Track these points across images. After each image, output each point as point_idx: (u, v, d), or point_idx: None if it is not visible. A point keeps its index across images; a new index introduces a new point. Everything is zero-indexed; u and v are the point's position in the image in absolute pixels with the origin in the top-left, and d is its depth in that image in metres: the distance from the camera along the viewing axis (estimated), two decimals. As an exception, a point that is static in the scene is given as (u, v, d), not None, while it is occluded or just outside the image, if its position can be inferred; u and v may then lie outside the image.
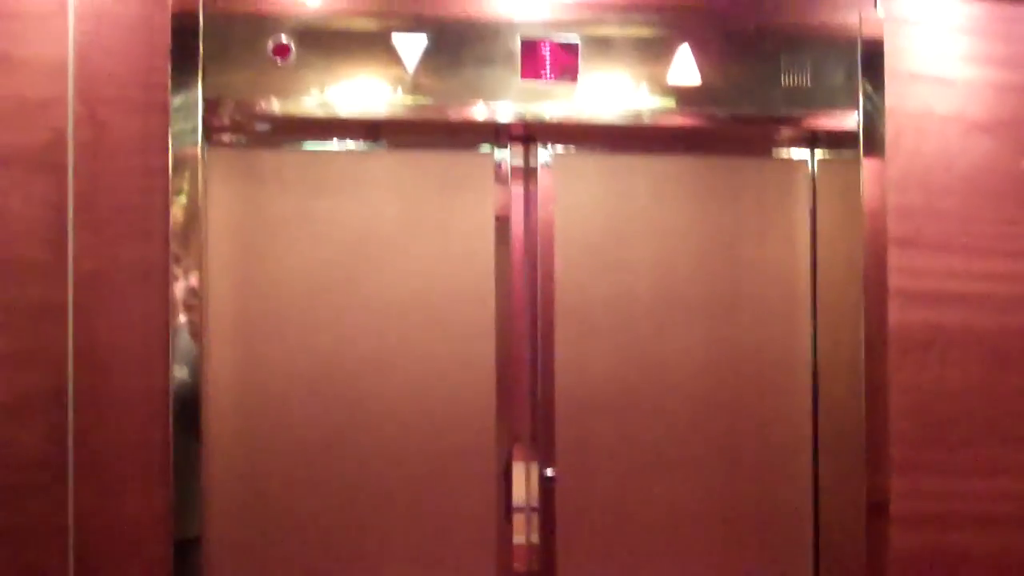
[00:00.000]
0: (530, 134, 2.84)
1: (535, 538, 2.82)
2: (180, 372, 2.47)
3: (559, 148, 2.86)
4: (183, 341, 2.48)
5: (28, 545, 2.35)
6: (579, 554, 2.82)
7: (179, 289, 2.48)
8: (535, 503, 2.83)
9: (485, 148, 2.82)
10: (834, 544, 2.84)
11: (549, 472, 2.80)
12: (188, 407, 2.47)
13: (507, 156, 2.83)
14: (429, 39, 2.65)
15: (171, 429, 2.45)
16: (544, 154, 2.87)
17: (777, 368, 2.90)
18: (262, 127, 2.71)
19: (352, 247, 2.73)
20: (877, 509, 2.70)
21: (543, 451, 2.81)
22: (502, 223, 2.81)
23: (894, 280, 2.77)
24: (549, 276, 2.84)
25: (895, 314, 2.76)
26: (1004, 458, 2.79)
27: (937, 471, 2.74)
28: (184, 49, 2.55)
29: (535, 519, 2.83)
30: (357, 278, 2.72)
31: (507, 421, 2.73)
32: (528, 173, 2.88)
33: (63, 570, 2.37)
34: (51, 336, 2.39)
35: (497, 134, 2.79)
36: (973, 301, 2.82)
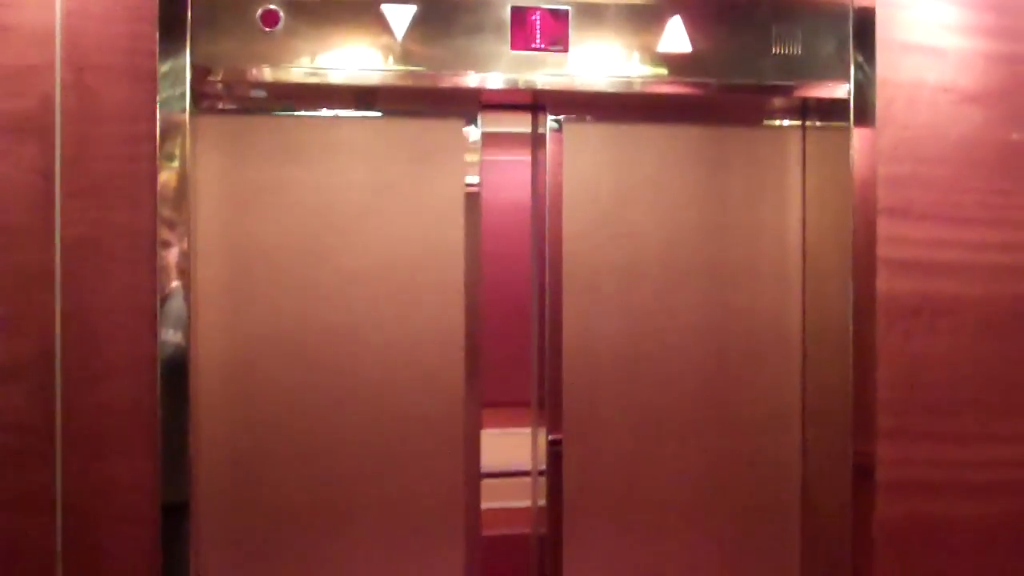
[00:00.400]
0: (529, 101, 2.84)
1: (542, 501, 2.87)
2: (168, 337, 2.47)
3: (552, 117, 2.86)
4: (171, 307, 2.48)
5: (15, 509, 2.36)
6: (585, 516, 2.87)
7: (167, 255, 2.48)
8: (542, 467, 2.88)
9: (458, 117, 2.81)
10: (821, 510, 2.85)
11: (555, 437, 2.85)
12: (176, 372, 2.48)
13: (481, 125, 2.82)
14: (419, 7, 2.64)
15: (159, 394, 2.45)
16: (533, 122, 2.88)
17: (766, 336, 2.92)
18: (250, 94, 2.71)
19: (339, 213, 2.73)
20: (863, 475, 2.71)
21: (550, 417, 2.85)
22: (472, 193, 2.81)
23: (883, 249, 2.77)
24: (557, 242, 2.86)
25: (883, 283, 2.76)
26: (991, 426, 2.79)
27: (924, 438, 2.74)
28: (172, 16, 2.54)
29: (543, 483, 2.88)
30: (345, 243, 2.72)
31: (475, 387, 2.74)
32: (536, 140, 2.92)
33: (50, 534, 2.38)
34: (39, 301, 2.39)
35: (478, 102, 2.77)
36: (961, 270, 2.82)
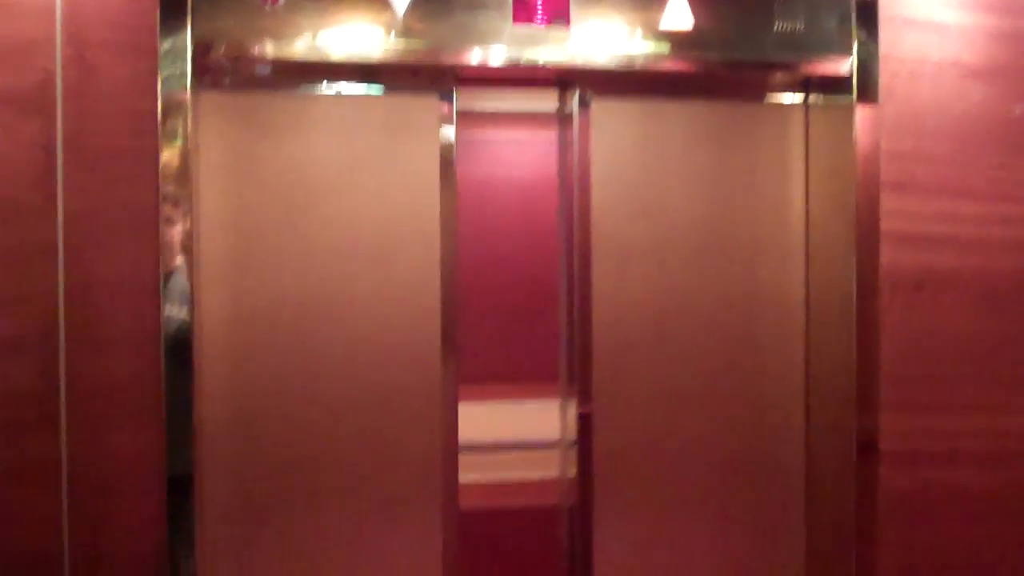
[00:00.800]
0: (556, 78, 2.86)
1: (572, 472, 2.90)
2: (171, 311, 2.47)
3: (579, 94, 2.87)
4: (174, 281, 2.48)
5: (22, 481, 2.36)
6: (615, 487, 2.90)
7: (169, 231, 2.48)
8: (572, 438, 2.90)
9: (432, 93, 2.81)
10: (826, 480, 2.85)
11: (584, 410, 2.88)
12: (179, 346, 2.48)
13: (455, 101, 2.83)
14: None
15: (163, 367, 2.44)
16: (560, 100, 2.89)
17: (770, 309, 2.92)
18: (252, 70, 2.70)
19: (339, 187, 2.73)
20: (867, 447, 2.71)
21: (580, 389, 2.87)
22: (447, 165, 2.81)
23: (886, 223, 2.77)
24: (585, 215, 2.87)
25: (887, 256, 2.76)
26: (993, 398, 2.79)
27: (927, 410, 2.74)
28: (173, -9, 2.54)
29: (572, 454, 2.90)
30: (344, 216, 2.72)
31: (452, 360, 2.75)
32: (563, 120, 2.93)
33: (56, 505, 2.38)
34: (42, 275, 2.39)
35: (453, 77, 2.78)
36: (965, 244, 2.82)
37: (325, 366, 2.63)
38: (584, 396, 2.86)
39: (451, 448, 2.74)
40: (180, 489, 2.48)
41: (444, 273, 2.69)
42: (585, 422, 2.86)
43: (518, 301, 5.41)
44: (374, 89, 2.77)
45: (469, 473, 5.69)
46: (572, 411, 2.90)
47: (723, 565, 2.91)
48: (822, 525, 2.85)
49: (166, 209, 2.48)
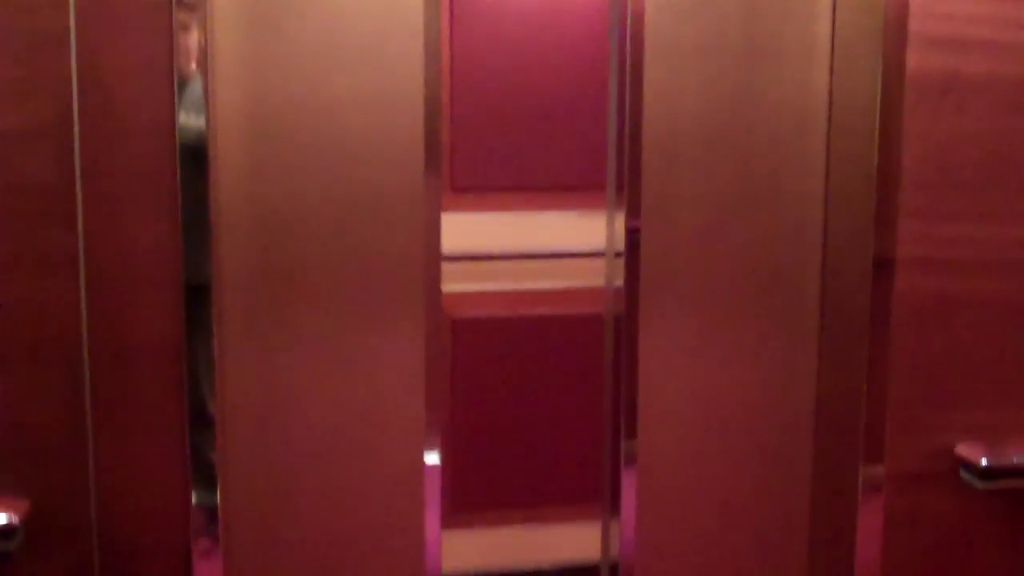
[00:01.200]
0: None
1: (619, 282, 2.88)
2: (185, 108, 2.45)
3: None
4: (188, 74, 2.45)
5: (40, 268, 2.37)
6: (662, 297, 2.88)
7: (184, 36, 2.44)
8: (618, 248, 2.88)
9: None
10: (842, 283, 2.85)
11: (634, 225, 2.85)
12: (193, 143, 2.46)
13: None
14: None
15: (178, 162, 2.43)
16: None
17: (790, 113, 2.86)
18: None
19: None
20: (884, 255, 2.69)
21: (629, 201, 2.83)
22: None
23: (915, 24, 2.69)
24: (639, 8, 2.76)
25: (914, 59, 2.69)
26: (1016, 206, 2.76)
27: (948, 217, 2.72)
28: None
29: (620, 265, 2.88)
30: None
31: (436, 168, 2.67)
32: None
33: (74, 294, 2.40)
34: (54, 64, 2.36)
35: None
36: (995, 48, 2.74)
37: (320, 170, 2.59)
38: (633, 209, 2.82)
39: (434, 256, 2.69)
40: (198, 299, 2.49)
41: (428, 72, 2.62)
42: (633, 235, 2.83)
43: (562, 104, 5.41)
44: None
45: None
46: (619, 222, 2.87)
47: (752, 373, 2.96)
48: (837, 325, 2.85)
49: (180, 14, 2.42)
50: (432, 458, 2.73)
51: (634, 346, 2.85)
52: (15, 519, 2.35)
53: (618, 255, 2.90)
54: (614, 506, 2.98)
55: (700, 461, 2.95)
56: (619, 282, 2.89)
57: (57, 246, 2.39)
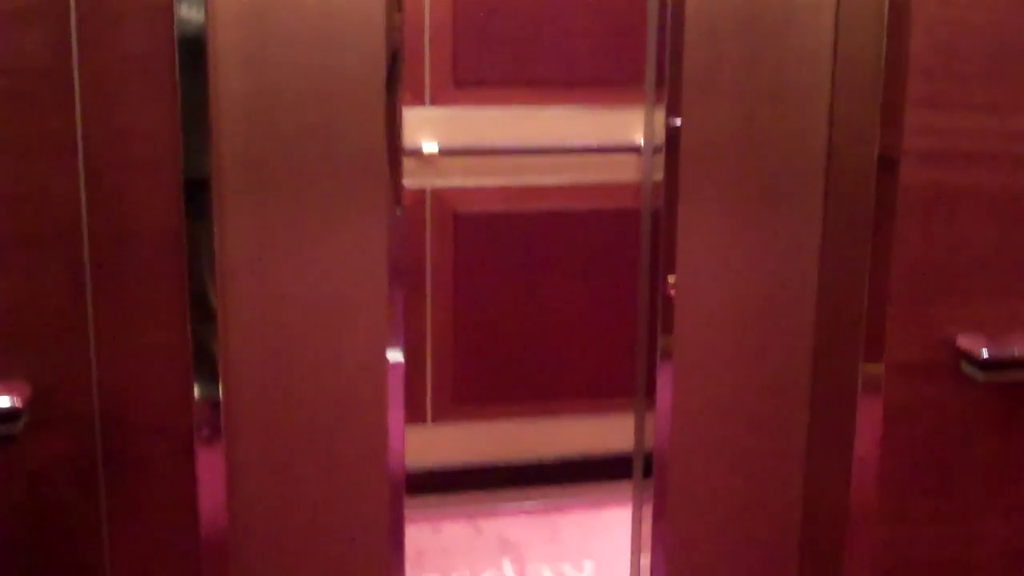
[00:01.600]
0: None
1: (659, 176, 2.88)
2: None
3: None
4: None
5: (38, 153, 2.36)
6: (701, 193, 2.88)
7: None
8: (660, 145, 2.87)
9: None
10: (847, 173, 2.83)
11: (676, 122, 2.82)
12: (192, 24, 2.43)
13: None
14: None
15: (176, 43, 2.41)
16: None
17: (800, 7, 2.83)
18: None
19: None
20: (891, 142, 2.67)
21: (669, 98, 2.81)
22: None
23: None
24: None
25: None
26: (1022, 98, 2.73)
27: (956, 107, 2.69)
28: None
29: (661, 160, 2.87)
30: None
31: (395, 56, 2.62)
32: None
33: (74, 178, 2.40)
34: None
35: None
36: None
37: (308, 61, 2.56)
38: (673, 105, 2.80)
39: (394, 150, 2.65)
40: (197, 194, 2.49)
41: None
42: (673, 133, 2.82)
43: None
44: None
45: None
46: (659, 118, 2.85)
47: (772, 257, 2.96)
48: (840, 216, 2.84)
49: None
50: (395, 356, 2.73)
51: (672, 241, 2.85)
52: (18, 402, 2.36)
53: (656, 150, 2.88)
54: (648, 400, 3.00)
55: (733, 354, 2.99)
56: (658, 176, 2.88)
57: (54, 131, 2.37)
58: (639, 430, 3.11)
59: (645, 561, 3.09)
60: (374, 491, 2.80)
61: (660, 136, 2.87)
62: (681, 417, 2.98)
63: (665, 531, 3.03)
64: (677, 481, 3.01)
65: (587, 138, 5.84)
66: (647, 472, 3.07)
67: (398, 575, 2.85)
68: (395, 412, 2.76)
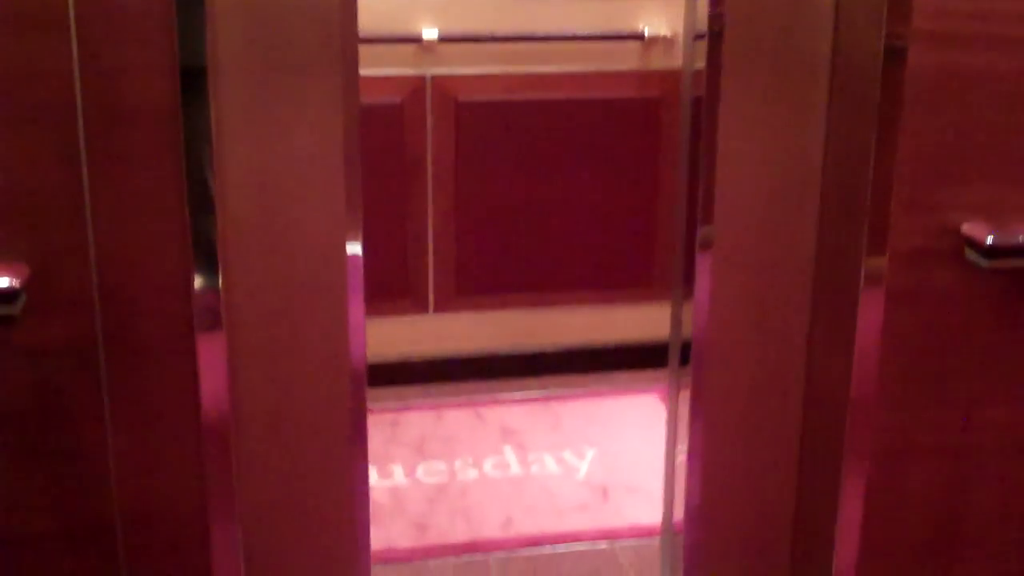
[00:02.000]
0: None
1: (699, 64, 2.83)
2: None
3: None
4: None
5: (30, 35, 2.32)
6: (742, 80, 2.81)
7: None
8: (698, 30, 2.83)
9: None
10: (852, 63, 2.76)
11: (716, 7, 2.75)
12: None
13: None
14: None
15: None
16: None
17: None
18: None
19: None
20: (897, 25, 2.60)
21: None
22: None
23: None
24: None
25: None
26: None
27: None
28: None
29: (698, 47, 2.83)
30: None
31: None
32: None
33: (67, 59, 2.36)
34: None
35: None
36: None
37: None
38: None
39: (350, 38, 2.57)
40: (194, 82, 2.45)
41: None
42: (717, 18, 2.73)
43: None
44: None
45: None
46: (702, 3, 2.78)
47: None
48: (844, 108, 2.79)
49: None
50: (354, 248, 2.69)
51: (713, 130, 2.80)
52: (16, 283, 2.35)
53: (698, 37, 2.83)
54: (687, 289, 2.99)
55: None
56: (700, 64, 2.82)
57: (46, 6, 2.32)
58: (676, 319, 3.11)
59: (682, 447, 3.10)
60: (337, 381, 2.78)
61: (702, 23, 2.80)
62: (717, 306, 2.95)
63: (701, 419, 3.04)
64: (712, 369, 3.00)
65: (590, 26, 5.75)
66: (683, 360, 3.06)
67: (361, 463, 2.84)
68: (355, 304, 2.73)
